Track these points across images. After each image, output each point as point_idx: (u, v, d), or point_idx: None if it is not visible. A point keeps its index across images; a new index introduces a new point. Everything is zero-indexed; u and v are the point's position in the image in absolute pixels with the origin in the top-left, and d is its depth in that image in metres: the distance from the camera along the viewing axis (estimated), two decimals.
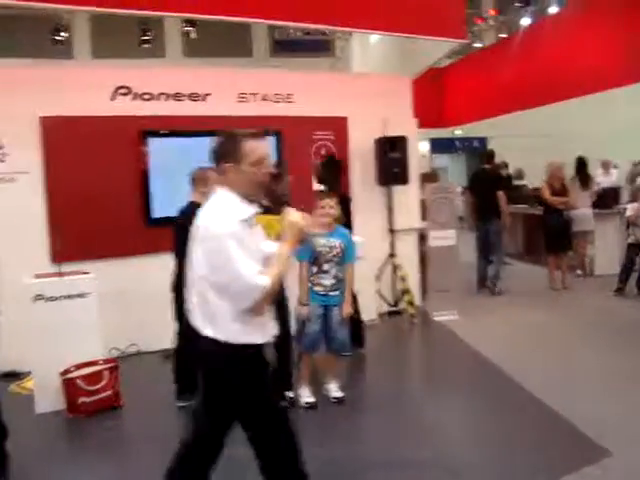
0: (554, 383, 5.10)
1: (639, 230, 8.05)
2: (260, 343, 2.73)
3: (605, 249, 9.54)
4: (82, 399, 4.78)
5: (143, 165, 6.33)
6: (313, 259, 4.68)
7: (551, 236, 8.82)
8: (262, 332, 2.75)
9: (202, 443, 2.87)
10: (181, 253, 3.19)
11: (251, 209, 2.70)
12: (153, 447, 4.24)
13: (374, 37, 15.42)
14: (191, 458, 2.87)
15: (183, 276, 2.89)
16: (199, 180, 4.91)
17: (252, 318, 2.65)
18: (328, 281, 4.69)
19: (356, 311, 5.45)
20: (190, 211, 4.23)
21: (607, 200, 9.99)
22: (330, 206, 4.66)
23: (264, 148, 2.71)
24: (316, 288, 4.69)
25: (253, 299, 2.58)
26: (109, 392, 4.89)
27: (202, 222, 2.66)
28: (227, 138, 2.70)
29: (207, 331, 2.67)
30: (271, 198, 3.55)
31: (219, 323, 2.65)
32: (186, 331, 3.26)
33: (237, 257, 2.55)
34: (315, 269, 4.70)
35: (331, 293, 4.72)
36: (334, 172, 6.17)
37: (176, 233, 4.73)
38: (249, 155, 2.64)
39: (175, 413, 4.85)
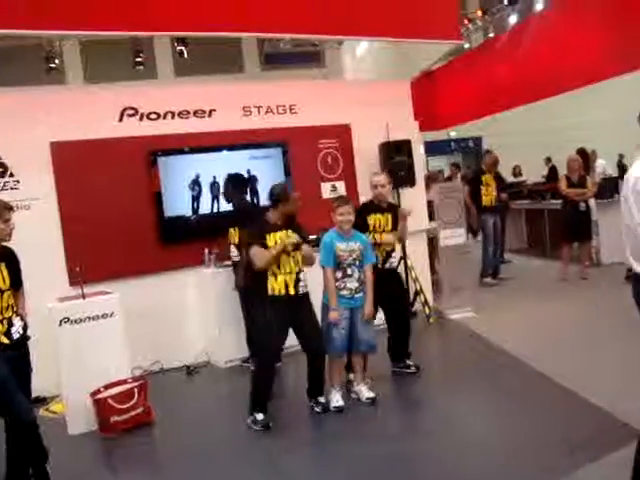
0: (581, 372, 5.13)
1: None
2: None
3: (609, 239, 9.61)
4: (114, 418, 4.81)
5: (154, 184, 6.38)
6: (337, 264, 4.76)
7: (569, 227, 8.90)
8: None
9: None
10: None
11: None
12: (189, 461, 4.30)
13: (363, 46, 15.58)
14: None
15: None
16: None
17: None
18: (353, 284, 4.78)
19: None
20: None
21: (607, 190, 10.10)
22: (348, 212, 4.76)
23: None
24: (343, 292, 4.78)
25: None
26: (140, 409, 4.92)
27: (634, 175, 3.05)
28: None
29: None
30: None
31: None
32: None
33: None
34: (340, 274, 4.78)
35: (356, 295, 4.81)
36: (239, 189, 6.23)
37: None
38: None
39: (207, 427, 4.90)
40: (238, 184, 6.24)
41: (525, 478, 3.60)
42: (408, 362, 5.62)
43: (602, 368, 5.22)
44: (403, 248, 7.45)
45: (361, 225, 5.14)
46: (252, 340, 5.91)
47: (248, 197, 6.46)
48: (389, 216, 5.46)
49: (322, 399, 4.84)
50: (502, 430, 4.38)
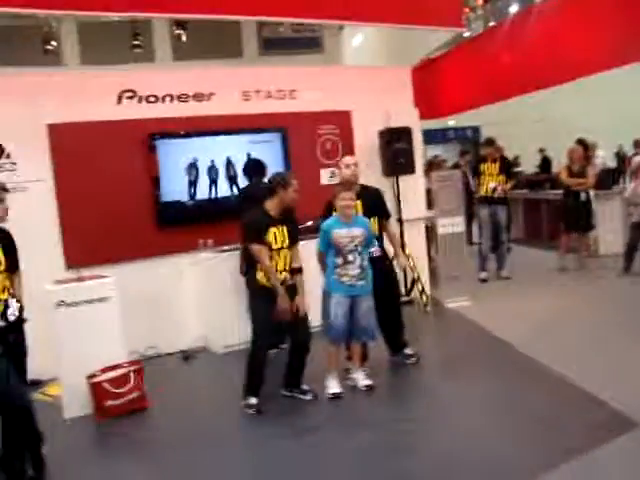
0: (579, 362, 5.12)
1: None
2: None
3: (607, 229, 9.61)
4: (109, 402, 4.79)
5: (152, 167, 6.33)
6: (337, 251, 4.73)
7: (570, 217, 8.88)
8: None
9: None
10: None
11: None
12: (181, 447, 4.28)
13: (362, 33, 15.48)
14: None
15: None
16: None
17: None
18: (354, 271, 4.72)
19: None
20: None
21: (606, 181, 10.09)
22: (350, 198, 4.72)
23: None
24: (343, 279, 4.73)
25: None
26: (136, 394, 4.90)
27: None
28: None
29: None
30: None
31: None
32: None
33: None
34: (341, 260, 4.73)
35: (358, 283, 4.75)
36: (259, 173, 6.19)
37: None
38: None
39: (201, 413, 4.90)
40: (258, 168, 6.22)
41: (518, 471, 3.58)
42: (407, 351, 5.54)
43: (597, 358, 5.22)
44: (401, 236, 7.42)
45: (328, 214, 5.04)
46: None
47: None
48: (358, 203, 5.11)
49: (305, 387, 4.86)
50: (498, 420, 4.35)
